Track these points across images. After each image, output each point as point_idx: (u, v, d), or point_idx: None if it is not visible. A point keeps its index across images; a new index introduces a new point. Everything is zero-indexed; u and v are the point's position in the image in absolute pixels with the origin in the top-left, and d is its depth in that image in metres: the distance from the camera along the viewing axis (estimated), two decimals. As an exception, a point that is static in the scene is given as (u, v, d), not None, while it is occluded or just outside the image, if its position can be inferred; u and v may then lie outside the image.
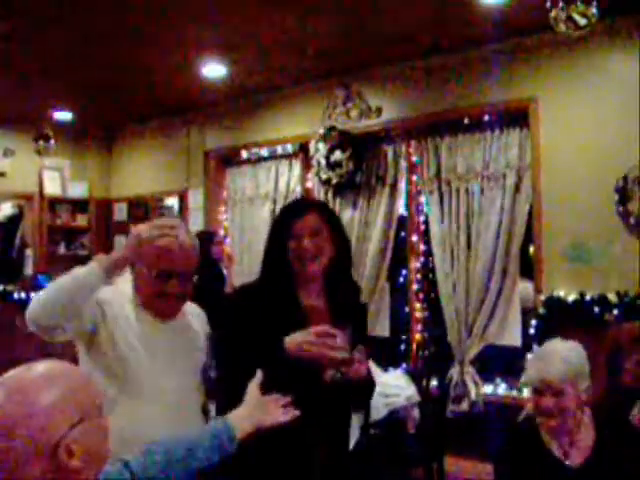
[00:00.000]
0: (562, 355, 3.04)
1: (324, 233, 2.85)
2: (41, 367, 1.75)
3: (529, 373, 3.11)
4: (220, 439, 2.17)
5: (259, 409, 2.31)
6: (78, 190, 10.40)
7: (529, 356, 3.08)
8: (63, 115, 9.40)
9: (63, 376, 1.73)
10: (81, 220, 10.49)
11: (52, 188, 10.19)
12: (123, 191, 10.46)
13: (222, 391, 2.97)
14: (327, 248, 2.85)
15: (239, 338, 2.80)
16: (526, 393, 6.56)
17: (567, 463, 3.06)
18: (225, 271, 7.64)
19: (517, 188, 6.59)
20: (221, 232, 8.94)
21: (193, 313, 3.11)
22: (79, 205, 10.48)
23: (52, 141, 9.30)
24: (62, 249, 10.34)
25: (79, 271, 2.67)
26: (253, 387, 2.35)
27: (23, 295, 9.17)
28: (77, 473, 1.65)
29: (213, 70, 7.37)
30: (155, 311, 2.89)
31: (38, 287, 8.66)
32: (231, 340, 2.86)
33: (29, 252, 9.98)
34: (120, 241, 10.27)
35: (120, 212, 10.42)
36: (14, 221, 10.30)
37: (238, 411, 2.30)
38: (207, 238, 7.50)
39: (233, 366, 2.84)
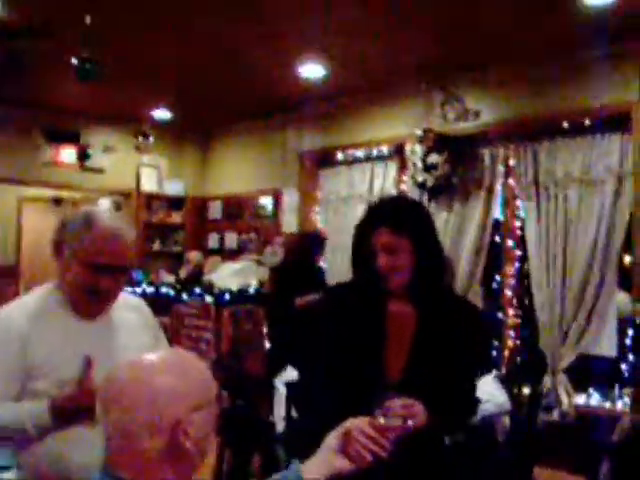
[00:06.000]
0: None
1: (402, 248, 2.68)
2: (167, 352, 1.92)
3: None
4: None
5: (333, 456, 2.23)
6: (174, 187, 10.57)
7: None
8: (162, 114, 9.56)
9: (188, 363, 1.84)
10: (176, 217, 10.66)
11: (149, 185, 10.37)
12: (218, 189, 10.58)
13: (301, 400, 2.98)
14: (404, 264, 2.70)
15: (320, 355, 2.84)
16: (620, 405, 6.42)
17: None
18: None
19: (617, 194, 6.44)
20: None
21: (130, 307, 2.88)
22: (175, 202, 10.65)
23: (151, 138, 9.47)
24: (157, 245, 10.50)
25: (24, 417, 2.45)
26: (332, 436, 2.32)
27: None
28: (188, 455, 1.73)
29: (312, 70, 7.38)
30: (81, 308, 2.65)
31: (134, 281, 8.80)
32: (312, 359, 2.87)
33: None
34: (214, 238, 10.39)
35: (215, 210, 10.54)
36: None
37: (312, 460, 2.24)
38: (318, 243, 7.44)
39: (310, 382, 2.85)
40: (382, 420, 2.42)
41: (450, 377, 2.71)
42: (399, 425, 2.44)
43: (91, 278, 2.57)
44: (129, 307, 2.87)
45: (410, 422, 2.47)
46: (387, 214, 2.75)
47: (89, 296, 2.61)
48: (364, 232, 2.78)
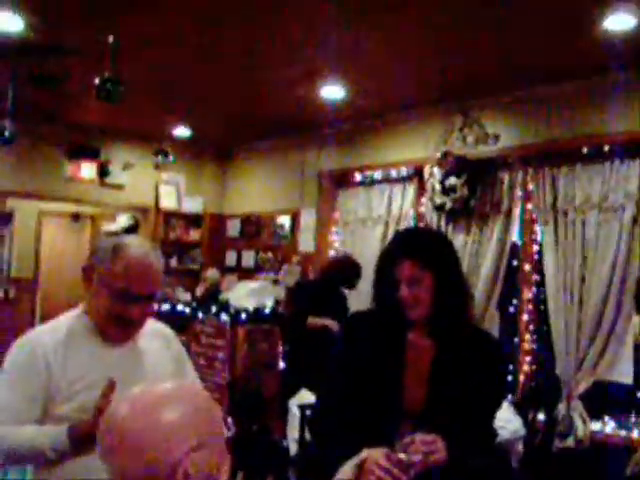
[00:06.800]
0: None
1: (424, 280, 2.68)
2: (168, 386, 1.80)
3: None
4: None
5: None
6: (193, 205, 10.60)
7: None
8: (182, 131, 9.61)
9: (190, 397, 1.76)
10: (194, 234, 10.68)
11: (168, 202, 10.40)
12: (236, 208, 10.61)
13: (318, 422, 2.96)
14: (426, 297, 2.69)
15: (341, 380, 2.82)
16: (636, 434, 6.36)
17: None
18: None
19: (636, 220, 6.41)
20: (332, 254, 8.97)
21: (156, 333, 2.91)
22: (193, 220, 10.68)
23: (170, 157, 9.51)
24: (174, 262, 10.51)
25: (43, 441, 2.45)
26: (347, 466, 2.30)
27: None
28: None
29: (332, 91, 7.40)
30: (108, 334, 2.69)
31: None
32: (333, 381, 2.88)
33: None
34: (232, 256, 10.41)
35: (233, 228, 10.57)
36: (130, 233, 10.51)
37: None
38: (347, 269, 7.39)
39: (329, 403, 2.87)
40: (403, 455, 2.41)
41: (469, 410, 2.69)
42: (420, 461, 2.43)
43: (118, 306, 2.60)
44: (155, 334, 2.90)
45: (431, 458, 2.45)
46: (412, 246, 2.75)
47: (116, 323, 2.64)
48: (387, 261, 2.78)
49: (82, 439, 2.43)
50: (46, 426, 2.52)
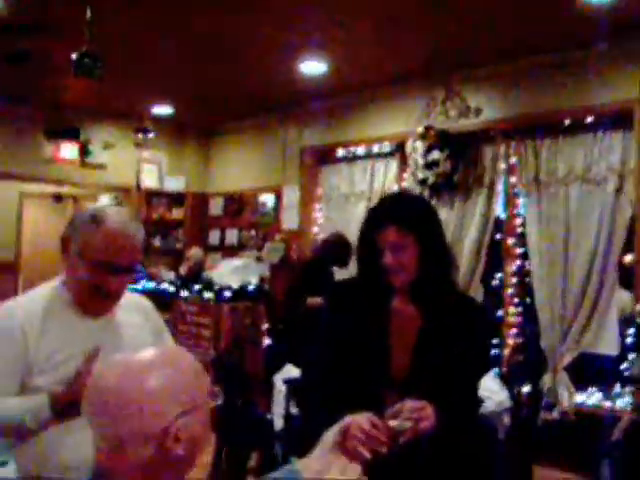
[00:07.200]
0: None
1: (408, 245, 2.65)
2: (156, 350, 1.80)
3: None
4: None
5: (332, 455, 2.22)
6: (175, 184, 10.55)
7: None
8: (163, 110, 9.55)
9: (176, 361, 1.75)
10: (177, 213, 10.65)
11: (150, 181, 10.35)
12: (219, 186, 10.58)
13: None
14: (410, 262, 2.67)
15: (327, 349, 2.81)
16: (620, 404, 6.39)
17: None
18: None
19: (619, 192, 6.41)
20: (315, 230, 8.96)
21: (134, 306, 2.86)
22: (175, 199, 10.64)
23: (151, 134, 9.45)
24: (157, 242, 10.48)
25: (23, 412, 2.44)
26: (330, 432, 2.28)
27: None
28: (179, 460, 1.66)
29: (312, 67, 7.37)
30: (86, 307, 2.64)
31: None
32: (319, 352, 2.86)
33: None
34: (215, 234, 10.38)
35: (216, 206, 10.53)
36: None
37: (310, 456, 2.23)
38: (336, 249, 7.32)
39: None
40: (393, 423, 2.39)
41: (454, 376, 2.68)
42: (410, 428, 2.41)
43: (96, 277, 2.55)
44: (134, 306, 2.85)
45: (421, 425, 2.44)
46: (394, 212, 2.71)
47: (94, 294, 2.59)
48: (370, 229, 2.74)
49: (63, 407, 2.41)
50: (25, 397, 2.49)
